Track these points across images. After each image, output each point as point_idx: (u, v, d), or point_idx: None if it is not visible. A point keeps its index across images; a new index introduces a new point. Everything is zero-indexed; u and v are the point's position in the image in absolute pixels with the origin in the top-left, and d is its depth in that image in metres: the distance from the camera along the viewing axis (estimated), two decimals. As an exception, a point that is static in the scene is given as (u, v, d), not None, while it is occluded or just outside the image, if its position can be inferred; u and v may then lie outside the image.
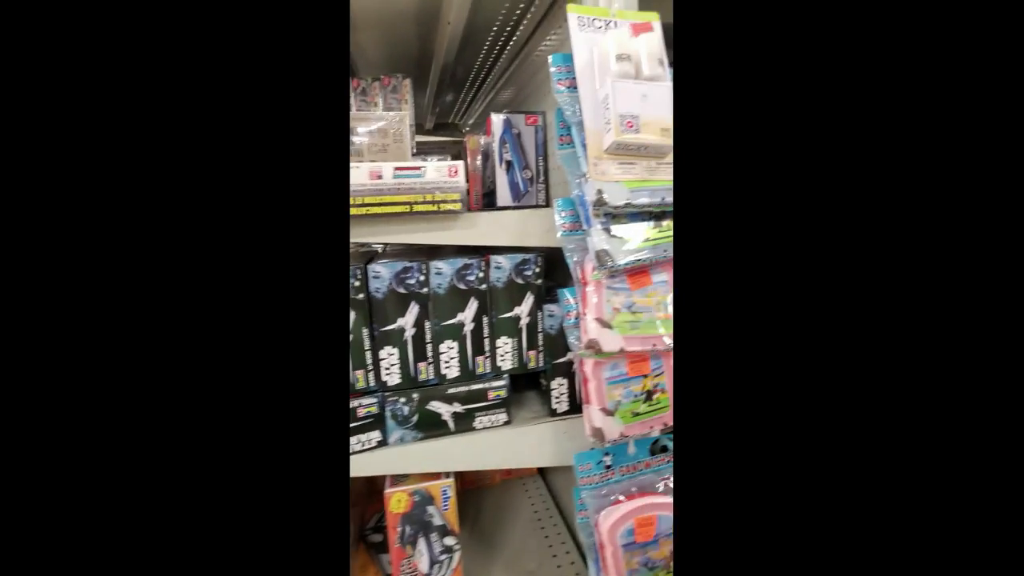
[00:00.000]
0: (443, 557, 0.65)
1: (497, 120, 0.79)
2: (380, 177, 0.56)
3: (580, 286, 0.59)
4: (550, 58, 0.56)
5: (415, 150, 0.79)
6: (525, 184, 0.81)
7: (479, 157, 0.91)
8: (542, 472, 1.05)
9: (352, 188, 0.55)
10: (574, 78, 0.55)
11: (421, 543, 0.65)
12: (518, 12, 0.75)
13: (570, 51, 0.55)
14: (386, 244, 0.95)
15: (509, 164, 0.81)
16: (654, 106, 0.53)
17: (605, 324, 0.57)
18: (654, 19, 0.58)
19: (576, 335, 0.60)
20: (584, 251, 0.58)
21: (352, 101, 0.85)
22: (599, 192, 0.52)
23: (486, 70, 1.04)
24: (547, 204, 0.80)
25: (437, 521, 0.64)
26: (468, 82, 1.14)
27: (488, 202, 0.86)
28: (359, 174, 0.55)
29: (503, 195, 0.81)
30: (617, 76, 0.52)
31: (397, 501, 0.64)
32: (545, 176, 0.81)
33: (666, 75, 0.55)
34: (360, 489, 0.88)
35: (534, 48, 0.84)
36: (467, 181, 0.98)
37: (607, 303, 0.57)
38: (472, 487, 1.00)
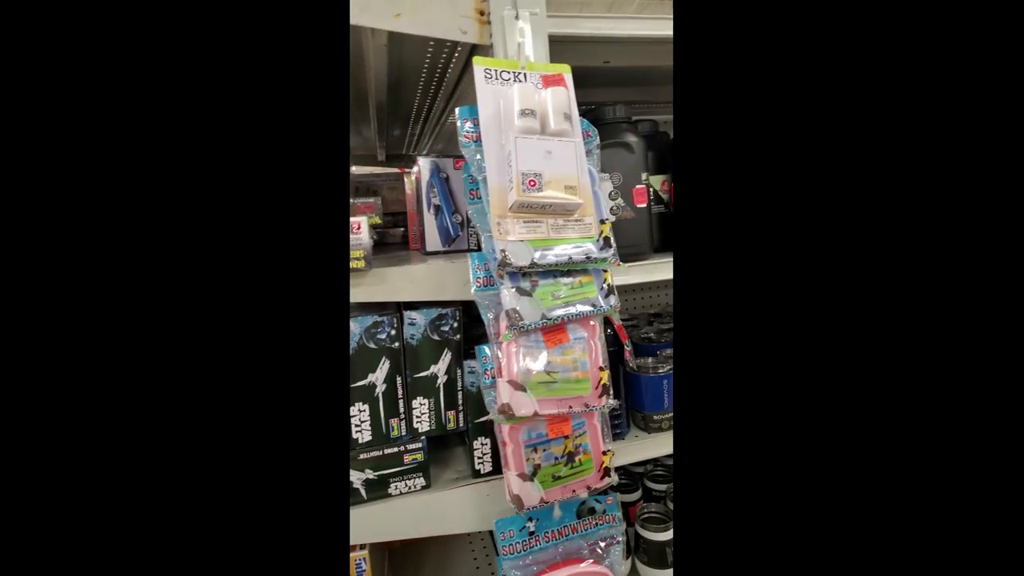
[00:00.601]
0: (358, 637, 0.60)
1: (424, 164, 0.77)
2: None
3: (496, 343, 0.56)
4: (456, 111, 0.54)
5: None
6: (456, 228, 0.79)
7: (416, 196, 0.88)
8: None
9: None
10: (480, 132, 0.53)
11: (333, 623, 0.59)
12: (444, 56, 0.74)
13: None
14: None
15: (438, 208, 0.78)
16: (560, 163, 0.51)
17: (519, 387, 0.54)
18: (566, 71, 0.57)
19: (493, 396, 0.56)
20: (500, 306, 0.56)
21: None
22: (503, 252, 0.50)
23: (427, 107, 1.02)
24: (479, 248, 0.78)
25: (348, 599, 0.59)
26: (412, 118, 1.12)
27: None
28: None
29: (432, 240, 0.78)
30: (520, 132, 0.50)
31: (305, 579, 0.59)
32: (476, 220, 0.78)
33: (573, 130, 0.53)
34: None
35: (471, 82, 0.82)
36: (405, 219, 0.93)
37: (520, 364, 0.54)
38: (412, 543, 0.95)
